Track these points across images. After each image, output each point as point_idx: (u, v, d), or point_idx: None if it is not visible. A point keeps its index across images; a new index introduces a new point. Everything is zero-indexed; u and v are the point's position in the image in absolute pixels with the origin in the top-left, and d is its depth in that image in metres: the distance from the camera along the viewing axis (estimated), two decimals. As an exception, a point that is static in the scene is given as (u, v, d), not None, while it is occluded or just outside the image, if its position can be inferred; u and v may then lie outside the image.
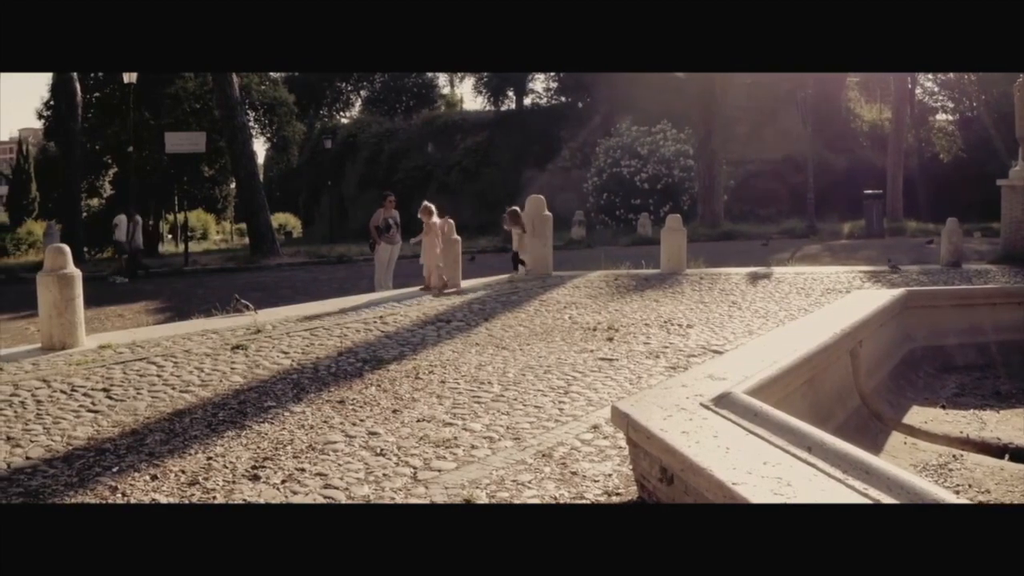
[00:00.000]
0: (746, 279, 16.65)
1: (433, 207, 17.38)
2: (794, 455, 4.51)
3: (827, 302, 13.45)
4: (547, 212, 17.99)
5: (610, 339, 11.30)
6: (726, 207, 42.34)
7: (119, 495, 5.79)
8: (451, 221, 16.90)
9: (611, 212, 45.11)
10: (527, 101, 66.73)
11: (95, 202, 58.80)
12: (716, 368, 6.65)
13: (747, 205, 45.88)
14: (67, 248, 11.37)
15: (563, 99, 63.10)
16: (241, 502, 5.66)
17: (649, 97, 47.15)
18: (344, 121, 76.43)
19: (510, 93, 67.55)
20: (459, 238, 16.69)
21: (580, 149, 52.64)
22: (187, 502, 5.67)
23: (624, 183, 45.06)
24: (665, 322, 12.49)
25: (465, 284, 16.35)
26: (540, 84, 66.72)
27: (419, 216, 17.55)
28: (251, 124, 51.08)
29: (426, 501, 5.62)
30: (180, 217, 47.55)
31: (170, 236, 60.11)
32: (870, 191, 35.77)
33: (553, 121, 58.38)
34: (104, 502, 5.66)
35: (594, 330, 11.94)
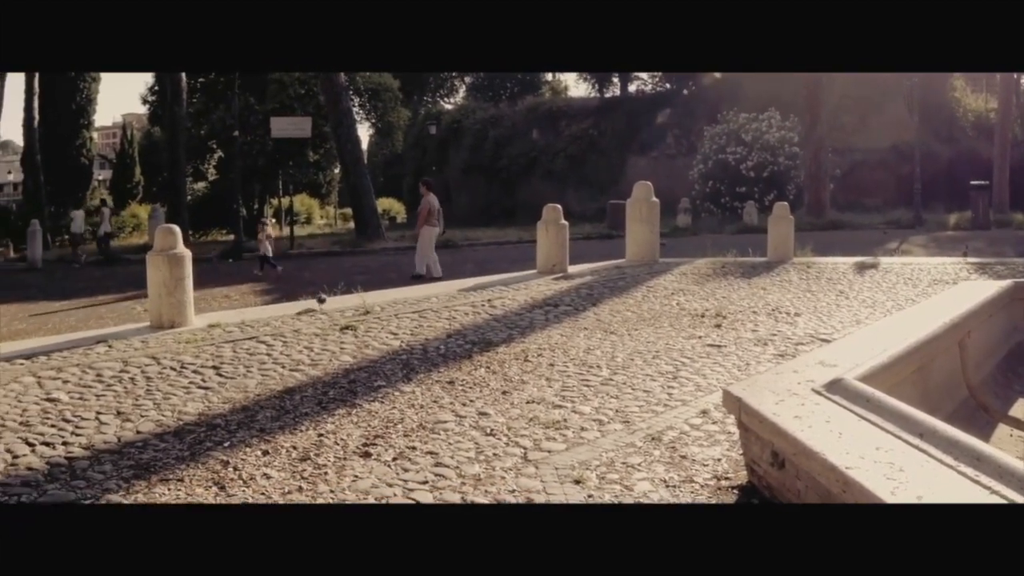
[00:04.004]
0: (853, 268, 16.47)
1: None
2: (906, 441, 4.52)
3: (934, 292, 13.27)
4: (654, 199, 17.96)
5: (718, 326, 11.25)
6: (832, 196, 41.89)
7: (231, 469, 5.92)
8: (558, 207, 16.91)
9: (716, 200, 44.87)
10: (631, 87, 66.59)
11: (200, 186, 59.84)
12: (827, 355, 6.63)
13: (853, 195, 45.34)
14: (177, 228, 11.64)
15: (668, 86, 62.73)
16: (351, 478, 5.76)
17: (755, 84, 46.85)
18: (448, 107, 76.85)
19: (615, 79, 67.42)
20: (566, 223, 16.71)
21: (685, 136, 52.41)
22: (300, 478, 5.78)
23: (729, 170, 44.81)
24: (773, 310, 12.41)
25: (572, 269, 16.39)
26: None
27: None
28: (356, 109, 51.54)
29: (536, 482, 5.67)
30: (285, 201, 48.02)
31: (274, 220, 60.84)
32: (976, 182, 35.12)
33: (658, 108, 58.19)
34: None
35: (702, 316, 11.91)
